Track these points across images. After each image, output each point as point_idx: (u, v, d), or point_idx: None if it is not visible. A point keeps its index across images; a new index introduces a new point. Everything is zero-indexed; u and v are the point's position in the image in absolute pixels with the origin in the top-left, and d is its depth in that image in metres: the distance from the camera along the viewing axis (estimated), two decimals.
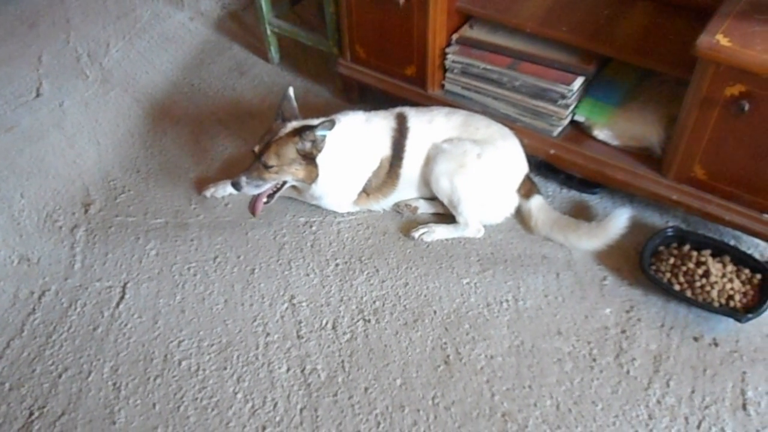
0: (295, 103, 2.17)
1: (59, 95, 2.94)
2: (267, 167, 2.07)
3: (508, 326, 1.98)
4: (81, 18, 3.41)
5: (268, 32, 2.93)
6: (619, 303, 2.03)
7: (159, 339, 2.01)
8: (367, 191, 2.29)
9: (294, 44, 3.01)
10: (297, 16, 3.19)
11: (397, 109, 2.29)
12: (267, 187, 2.12)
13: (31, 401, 1.88)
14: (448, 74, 2.38)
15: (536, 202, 2.21)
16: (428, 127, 2.22)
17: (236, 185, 2.09)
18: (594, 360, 1.89)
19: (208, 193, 2.42)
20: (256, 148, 2.08)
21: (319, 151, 2.10)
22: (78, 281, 2.19)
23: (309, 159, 2.11)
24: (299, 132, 2.06)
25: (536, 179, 2.33)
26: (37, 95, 2.95)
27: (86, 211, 2.42)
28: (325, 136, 2.08)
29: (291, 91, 2.19)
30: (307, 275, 2.17)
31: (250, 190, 2.10)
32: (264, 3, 2.85)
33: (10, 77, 3.04)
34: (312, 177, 2.15)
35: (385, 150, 2.22)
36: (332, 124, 2.06)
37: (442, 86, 2.43)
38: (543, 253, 2.17)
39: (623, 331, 1.95)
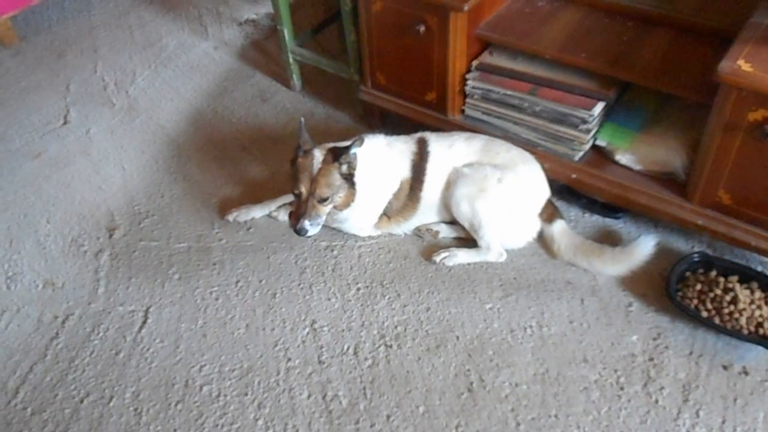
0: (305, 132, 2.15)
1: (86, 123, 2.95)
2: (323, 201, 2.04)
3: (533, 353, 1.92)
4: (108, 48, 3.45)
5: (291, 60, 2.94)
6: (645, 330, 1.96)
7: (180, 364, 1.97)
8: (388, 214, 2.26)
9: (316, 71, 3.01)
10: (319, 44, 3.20)
11: (418, 134, 2.27)
12: (323, 220, 2.10)
13: (53, 426, 1.84)
14: (468, 100, 2.36)
15: (559, 227, 2.17)
16: (449, 151, 2.20)
17: (301, 232, 2.02)
18: (621, 389, 1.82)
19: (230, 217, 2.40)
20: (302, 189, 2.02)
21: (355, 168, 2.09)
22: (101, 306, 2.16)
23: (349, 181, 2.09)
24: (336, 157, 2.04)
25: (558, 204, 2.29)
26: (65, 122, 2.97)
27: (111, 236, 2.40)
28: (356, 154, 2.07)
29: (302, 120, 2.16)
30: (329, 299, 2.13)
31: (313, 230, 2.05)
32: (287, 32, 2.85)
33: (39, 105, 3.07)
34: (351, 199, 2.13)
35: (406, 172, 2.20)
36: (362, 141, 2.04)
37: (463, 111, 2.41)
38: (567, 278, 2.12)
39: (651, 359, 1.89)
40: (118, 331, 2.08)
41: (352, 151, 2.05)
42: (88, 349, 2.03)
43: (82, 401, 1.90)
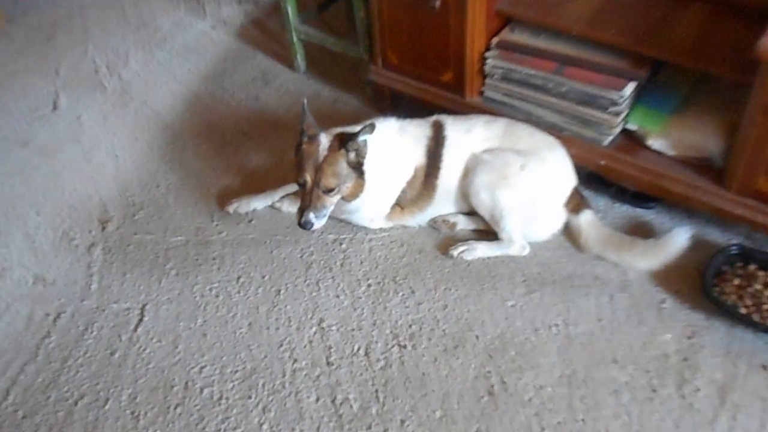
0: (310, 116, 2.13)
1: (77, 108, 2.96)
2: (329, 191, 2.03)
3: (559, 353, 1.91)
4: (100, 29, 3.45)
5: (294, 39, 2.93)
6: (679, 328, 1.95)
7: (179, 365, 1.98)
8: (401, 204, 2.26)
9: (321, 51, 3.01)
10: (324, 22, 3.18)
11: (434, 117, 2.26)
12: (329, 211, 2.09)
13: (46, 430, 1.86)
14: (487, 80, 2.35)
15: (586, 218, 2.16)
16: (467, 135, 2.19)
17: (306, 225, 2.02)
18: (654, 391, 1.81)
19: (231, 208, 2.40)
20: (307, 178, 2.02)
21: (364, 157, 2.08)
22: (95, 303, 2.18)
23: (358, 170, 2.08)
24: (343, 143, 2.03)
25: (586, 193, 2.28)
26: (54, 108, 2.98)
27: (103, 229, 2.42)
28: (366, 141, 2.06)
29: (305, 103, 2.15)
30: (337, 297, 2.13)
31: (319, 223, 2.05)
32: (290, 9, 2.85)
33: (27, 90, 3.08)
34: (360, 190, 2.13)
35: (420, 159, 2.20)
36: (373, 127, 2.02)
37: (481, 93, 2.40)
38: (595, 273, 2.11)
39: (685, 359, 1.88)
40: (113, 329, 2.10)
41: (362, 138, 2.04)
42: (81, 349, 2.05)
43: (76, 404, 1.91)
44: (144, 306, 2.15)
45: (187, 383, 1.93)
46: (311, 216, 2.02)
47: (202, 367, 1.97)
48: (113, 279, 2.25)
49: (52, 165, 2.69)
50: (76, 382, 1.96)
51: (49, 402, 1.92)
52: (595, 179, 2.32)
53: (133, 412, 1.88)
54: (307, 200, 2.03)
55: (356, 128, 2.05)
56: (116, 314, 2.14)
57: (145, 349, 2.03)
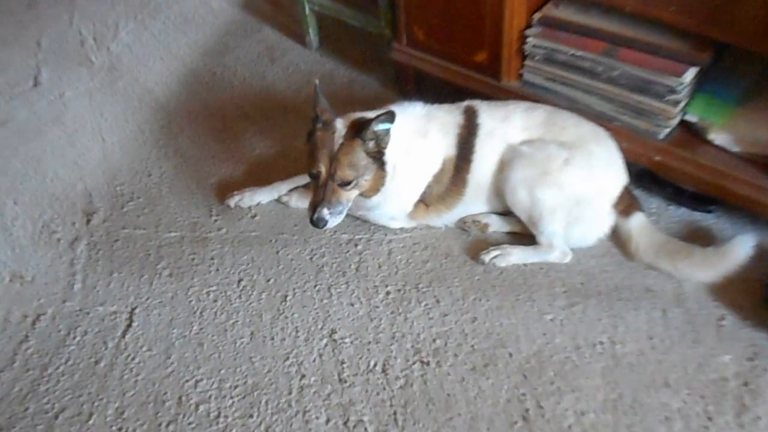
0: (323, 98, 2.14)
1: (60, 85, 3.00)
2: (345, 185, 2.05)
3: (603, 375, 1.92)
4: None
5: (307, 11, 2.95)
6: (740, 348, 1.95)
7: (172, 377, 2.01)
8: (426, 201, 2.27)
9: (337, 25, 3.02)
10: None
11: (465, 103, 2.27)
12: (346, 208, 2.10)
13: None
14: (527, 62, 2.35)
15: (637, 222, 2.16)
16: (503, 124, 2.20)
17: (319, 222, 2.03)
18: (710, 419, 1.81)
19: (232, 202, 2.43)
20: (321, 169, 2.03)
21: (385, 147, 2.09)
22: (78, 305, 2.21)
23: (378, 161, 2.09)
24: (362, 131, 2.04)
25: (637, 193, 2.28)
26: (35, 85, 3.02)
27: (88, 222, 2.45)
28: (388, 130, 2.07)
29: (317, 84, 2.15)
30: (351, 305, 2.15)
31: (333, 221, 2.06)
32: None
33: (5, 64, 3.14)
34: (380, 184, 2.14)
35: (449, 149, 2.20)
36: (392, 116, 2.03)
37: (520, 76, 2.41)
38: (646, 284, 2.11)
39: (745, 384, 1.87)
40: (98, 335, 2.13)
41: (382, 126, 2.05)
42: (63, 356, 2.08)
43: (56, 417, 1.94)
44: (133, 310, 2.18)
45: (180, 398, 1.96)
46: (325, 212, 2.03)
47: (198, 381, 1.99)
48: (99, 278, 2.28)
49: (32, 148, 2.73)
50: (56, 393, 1.99)
51: (27, 414, 1.95)
52: (648, 177, 2.32)
53: (120, 429, 1.90)
54: (320, 194, 2.05)
55: (376, 113, 2.06)
56: (102, 318, 2.17)
57: (133, 358, 2.06)
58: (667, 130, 2.21)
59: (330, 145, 2.04)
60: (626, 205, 2.18)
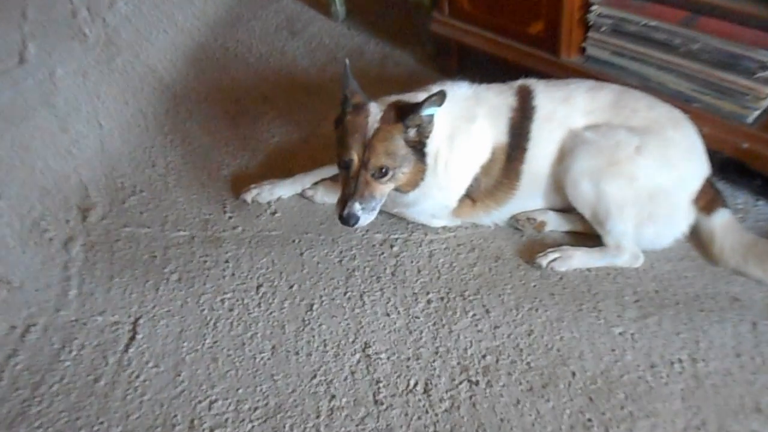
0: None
1: (49, 62, 3.01)
2: (381, 175, 2.05)
3: (683, 398, 1.89)
4: None
5: None
6: None
7: (183, 397, 2.00)
8: (473, 197, 2.26)
9: None
10: None
11: (519, 82, 2.26)
12: (380, 204, 2.10)
13: None
14: (591, 33, 2.35)
15: (722, 219, 2.14)
16: (564, 106, 2.18)
17: (350, 219, 2.03)
18: None
19: (249, 197, 2.43)
20: (353, 156, 2.03)
21: (427, 136, 2.09)
22: (73, 314, 2.22)
23: (418, 152, 2.09)
24: (401, 116, 2.04)
25: (721, 186, 2.26)
26: (21, 62, 3.03)
27: (84, 219, 2.46)
28: (432, 117, 2.07)
29: (347, 63, 2.15)
30: (387, 315, 2.14)
31: (366, 218, 2.06)
32: None
33: None
34: (419, 177, 2.14)
35: (500, 136, 2.19)
36: (443, 97, 2.02)
37: (583, 50, 2.40)
38: (732, 293, 2.09)
39: None
40: (97, 349, 2.13)
41: (427, 111, 2.04)
42: (57, 373, 2.08)
43: None
44: (137, 320, 2.19)
45: (192, 421, 1.95)
46: (356, 207, 2.03)
47: (212, 402, 1.99)
48: (97, 284, 2.28)
49: (19, 135, 2.74)
50: (50, 416, 1.99)
51: None
52: (734, 168, 2.31)
53: None
54: (351, 187, 2.04)
55: (418, 97, 2.06)
56: (101, 329, 2.17)
57: (138, 376, 2.06)
58: (757, 113, 2.19)
59: (363, 130, 2.04)
60: (708, 200, 2.16)
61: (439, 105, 2.03)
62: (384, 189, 2.09)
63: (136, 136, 2.71)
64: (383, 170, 2.04)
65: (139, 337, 2.15)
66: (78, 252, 2.38)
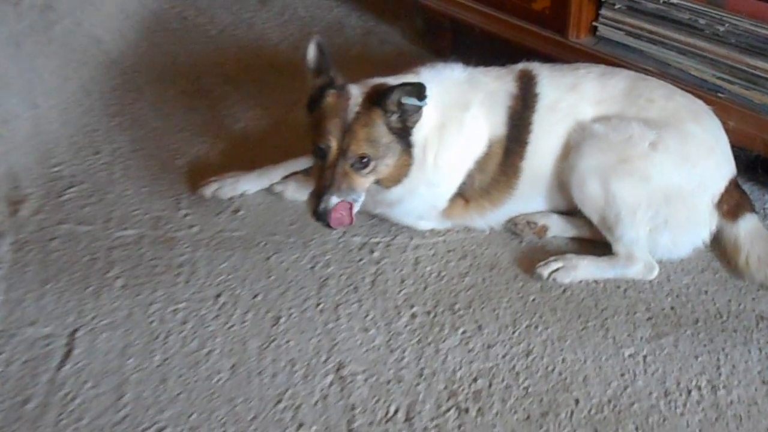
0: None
1: None
2: (361, 166, 2.04)
3: (701, 429, 1.90)
4: None
5: None
6: None
7: (126, 424, 1.98)
8: (465, 195, 2.27)
9: None
10: None
11: (520, 66, 2.27)
12: (361, 199, 2.10)
13: None
14: (603, 11, 2.36)
15: (748, 226, 2.15)
16: (570, 94, 2.19)
17: (323, 216, 2.02)
18: None
19: (208, 191, 2.42)
20: (332, 143, 2.03)
21: (412, 124, 2.09)
22: (0, 325, 2.19)
23: (403, 140, 2.09)
24: (382, 100, 2.03)
25: (747, 188, 2.27)
26: None
27: (14, 213, 2.44)
28: (420, 107, 2.07)
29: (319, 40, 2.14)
30: (366, 331, 2.13)
31: (344, 214, 2.05)
32: None
33: None
34: (404, 171, 2.14)
35: (498, 127, 2.20)
36: (420, 91, 2.01)
37: (594, 30, 2.41)
38: (759, 310, 2.10)
39: None
40: (27, 365, 2.10)
41: (409, 101, 2.03)
42: None
43: None
44: (74, 332, 2.16)
45: None
46: (333, 200, 2.02)
47: (161, 429, 1.97)
48: (28, 290, 2.26)
49: None
50: None
51: None
52: (763, 168, 2.32)
53: None
54: (327, 178, 2.03)
55: (403, 79, 2.06)
56: (32, 343, 2.15)
57: (74, 398, 2.03)
58: None
59: (343, 114, 2.04)
60: (733, 204, 2.17)
61: (418, 98, 2.03)
62: (364, 182, 2.08)
63: (77, 117, 2.68)
64: (364, 160, 2.04)
65: (76, 352, 2.12)
66: (6, 252, 2.35)
